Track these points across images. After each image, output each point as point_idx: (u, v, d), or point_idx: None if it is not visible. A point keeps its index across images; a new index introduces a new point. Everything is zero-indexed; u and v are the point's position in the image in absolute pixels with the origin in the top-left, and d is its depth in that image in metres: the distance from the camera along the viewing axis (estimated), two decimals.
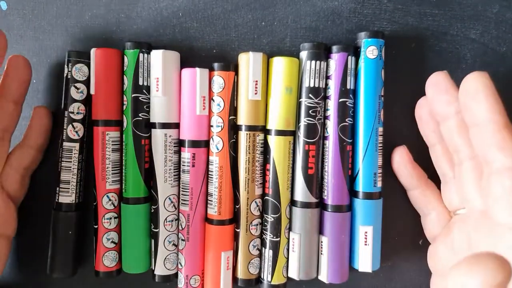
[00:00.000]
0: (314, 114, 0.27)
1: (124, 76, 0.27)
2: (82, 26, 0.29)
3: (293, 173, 0.28)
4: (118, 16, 0.29)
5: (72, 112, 0.27)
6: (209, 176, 0.28)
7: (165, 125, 0.27)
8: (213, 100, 0.27)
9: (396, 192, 0.29)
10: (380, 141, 0.27)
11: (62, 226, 0.28)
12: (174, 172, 0.28)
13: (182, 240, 0.28)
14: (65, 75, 0.27)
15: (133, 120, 0.27)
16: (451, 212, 0.27)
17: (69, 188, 0.27)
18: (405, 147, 0.28)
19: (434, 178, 0.28)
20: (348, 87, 0.27)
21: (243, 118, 0.27)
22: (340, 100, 0.27)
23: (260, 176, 0.28)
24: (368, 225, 0.27)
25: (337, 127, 0.27)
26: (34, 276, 0.30)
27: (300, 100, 0.27)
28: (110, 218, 0.28)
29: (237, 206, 0.28)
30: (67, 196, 0.27)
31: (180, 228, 0.28)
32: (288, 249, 0.28)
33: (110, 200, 0.28)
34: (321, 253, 0.27)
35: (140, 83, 0.27)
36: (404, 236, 0.30)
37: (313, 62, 0.27)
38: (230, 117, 0.27)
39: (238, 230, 0.28)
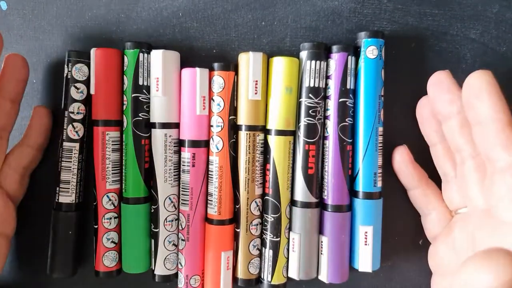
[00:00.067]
0: (314, 114, 0.27)
1: (124, 76, 0.27)
2: (82, 26, 0.29)
3: (293, 173, 0.28)
4: (118, 16, 0.29)
5: (72, 112, 0.27)
6: (209, 176, 0.28)
7: (165, 125, 0.27)
8: (213, 100, 0.27)
9: (396, 192, 0.29)
10: (380, 141, 0.27)
11: (62, 226, 0.28)
12: (174, 172, 0.28)
13: (182, 240, 0.28)
14: (65, 75, 0.27)
15: (133, 120, 0.27)
16: (452, 212, 0.27)
17: (69, 188, 0.27)
18: (406, 147, 0.28)
19: (434, 177, 0.28)
20: (348, 87, 0.27)
21: (243, 118, 0.27)
22: (340, 100, 0.27)
23: (260, 176, 0.28)
24: (368, 225, 0.27)
25: (337, 127, 0.27)
26: (34, 276, 0.30)
27: (300, 100, 0.27)
28: (110, 218, 0.28)
29: (237, 206, 0.28)
30: (67, 196, 0.27)
31: (180, 228, 0.28)
32: (288, 249, 0.28)
33: (110, 200, 0.28)
34: (321, 253, 0.27)
35: (140, 83, 0.27)
36: (404, 236, 0.30)
37: (313, 62, 0.27)
38: (230, 117, 0.27)
39: (238, 230, 0.28)
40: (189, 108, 0.27)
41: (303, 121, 0.27)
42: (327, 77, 0.27)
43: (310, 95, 0.27)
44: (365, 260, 0.27)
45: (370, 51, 0.27)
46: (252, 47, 0.29)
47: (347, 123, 0.27)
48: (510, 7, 0.29)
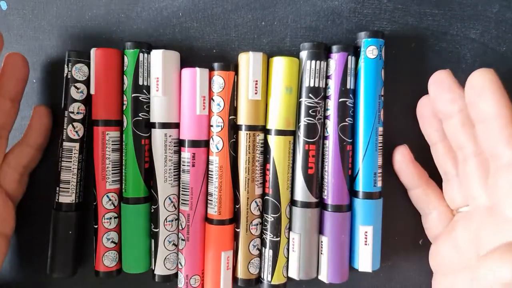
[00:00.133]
0: (314, 114, 0.27)
1: (124, 76, 0.27)
2: (82, 26, 0.29)
3: (293, 173, 0.28)
4: (118, 16, 0.29)
5: (72, 112, 0.27)
6: (209, 176, 0.28)
7: (165, 125, 0.27)
8: (213, 100, 0.27)
9: (396, 192, 0.29)
10: (380, 141, 0.27)
11: (62, 226, 0.28)
12: (174, 172, 0.28)
13: (182, 240, 0.28)
14: (65, 75, 0.27)
15: (133, 120, 0.27)
16: (453, 211, 0.27)
17: (69, 188, 0.27)
18: (406, 146, 0.28)
19: (434, 177, 0.28)
20: (348, 87, 0.27)
21: (243, 118, 0.27)
22: (340, 100, 0.27)
23: (260, 176, 0.28)
24: (368, 225, 0.27)
25: (337, 127, 0.27)
26: (34, 276, 0.30)
27: (300, 100, 0.27)
28: (110, 218, 0.28)
29: (237, 206, 0.28)
30: (67, 196, 0.27)
31: (180, 228, 0.28)
32: (288, 249, 0.28)
33: (110, 200, 0.28)
34: (321, 253, 0.27)
35: (140, 83, 0.27)
36: (404, 236, 0.30)
37: (313, 62, 0.27)
38: (230, 117, 0.27)
39: (238, 230, 0.28)
40: (189, 108, 0.27)
41: (303, 121, 0.27)
42: (327, 77, 0.27)
43: (310, 95, 0.27)
44: (365, 260, 0.27)
45: (370, 51, 0.27)
46: (252, 47, 0.29)
47: (347, 123, 0.27)
48: (510, 7, 0.29)
